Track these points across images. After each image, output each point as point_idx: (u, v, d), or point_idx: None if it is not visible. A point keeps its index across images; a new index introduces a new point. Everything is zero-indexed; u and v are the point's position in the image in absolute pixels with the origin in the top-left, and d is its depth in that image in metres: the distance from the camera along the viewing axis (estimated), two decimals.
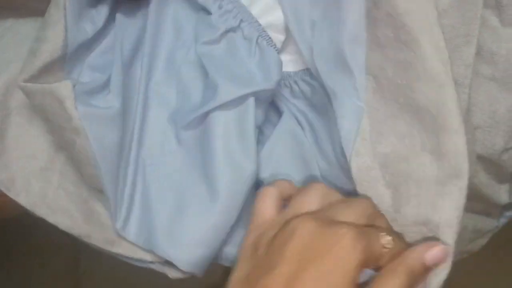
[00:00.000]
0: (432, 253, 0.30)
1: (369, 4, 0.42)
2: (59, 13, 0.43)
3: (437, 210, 0.37)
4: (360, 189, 0.41)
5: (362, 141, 0.43)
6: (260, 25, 0.46)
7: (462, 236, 0.52)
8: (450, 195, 0.37)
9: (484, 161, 0.48)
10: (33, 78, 0.43)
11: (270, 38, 0.46)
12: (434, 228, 0.37)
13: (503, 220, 0.53)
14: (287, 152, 0.49)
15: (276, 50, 0.47)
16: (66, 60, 0.45)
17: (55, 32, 0.43)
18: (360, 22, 0.41)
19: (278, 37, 0.47)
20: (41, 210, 0.49)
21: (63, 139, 0.46)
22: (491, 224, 0.53)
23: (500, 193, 0.50)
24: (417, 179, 0.40)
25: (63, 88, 0.43)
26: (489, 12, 0.46)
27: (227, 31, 0.46)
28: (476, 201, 0.50)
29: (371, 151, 0.42)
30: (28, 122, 0.50)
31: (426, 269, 0.30)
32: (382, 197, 0.40)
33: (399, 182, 0.41)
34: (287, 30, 0.47)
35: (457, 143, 0.37)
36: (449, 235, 0.36)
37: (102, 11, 0.46)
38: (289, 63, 0.49)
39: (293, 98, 0.49)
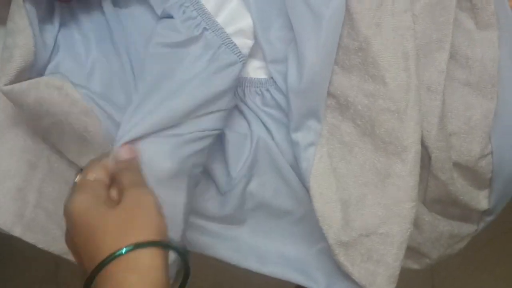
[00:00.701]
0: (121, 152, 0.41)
1: (344, 32, 0.42)
2: (23, 21, 0.43)
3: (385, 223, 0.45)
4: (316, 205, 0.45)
5: (320, 158, 0.45)
6: (224, 32, 0.44)
7: (438, 242, 0.51)
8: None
9: (461, 168, 0.47)
10: (12, 83, 0.42)
11: (235, 45, 0.44)
12: (382, 237, 0.44)
13: (482, 225, 0.52)
14: (265, 162, 0.48)
15: (241, 58, 0.45)
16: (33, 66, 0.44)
17: (24, 38, 0.43)
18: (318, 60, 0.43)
19: (247, 43, 0.46)
20: (18, 230, 0.48)
21: (70, 129, 0.44)
22: (469, 229, 0.52)
23: (479, 199, 0.49)
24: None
25: (56, 77, 0.43)
26: (464, 15, 0.46)
27: (187, 40, 0.44)
28: (453, 207, 0.49)
29: (329, 167, 0.45)
30: None
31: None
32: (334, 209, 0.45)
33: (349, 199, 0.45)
34: (255, 35, 0.46)
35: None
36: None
37: (56, 22, 0.46)
38: (260, 70, 0.48)
39: (265, 106, 0.47)
